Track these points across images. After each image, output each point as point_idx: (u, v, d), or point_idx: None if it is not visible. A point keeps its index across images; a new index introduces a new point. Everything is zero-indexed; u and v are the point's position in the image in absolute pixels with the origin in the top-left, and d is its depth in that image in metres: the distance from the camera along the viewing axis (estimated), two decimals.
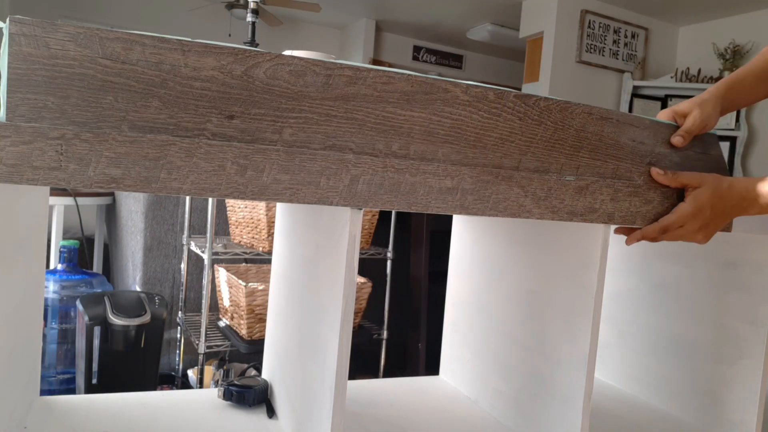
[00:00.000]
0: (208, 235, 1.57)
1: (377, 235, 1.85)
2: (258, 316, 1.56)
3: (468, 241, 1.11)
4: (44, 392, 1.65)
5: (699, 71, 4.95)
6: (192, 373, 1.82)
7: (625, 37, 5.12)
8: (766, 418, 1.04)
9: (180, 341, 1.89)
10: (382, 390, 1.07)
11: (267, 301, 1.17)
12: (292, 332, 0.86)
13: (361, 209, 0.64)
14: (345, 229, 0.65)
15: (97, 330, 1.41)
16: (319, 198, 0.60)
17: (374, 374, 1.92)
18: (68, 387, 1.71)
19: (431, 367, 1.97)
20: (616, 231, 0.85)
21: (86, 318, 1.42)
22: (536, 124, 0.73)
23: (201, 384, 1.66)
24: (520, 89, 5.52)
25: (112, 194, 2.41)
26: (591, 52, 4.98)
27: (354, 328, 1.72)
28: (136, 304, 1.50)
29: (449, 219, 1.75)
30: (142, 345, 1.46)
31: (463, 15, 5.82)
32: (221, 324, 1.72)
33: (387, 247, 1.85)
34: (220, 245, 1.74)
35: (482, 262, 1.06)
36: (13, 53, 0.49)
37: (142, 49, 0.54)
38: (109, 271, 2.62)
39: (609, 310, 1.25)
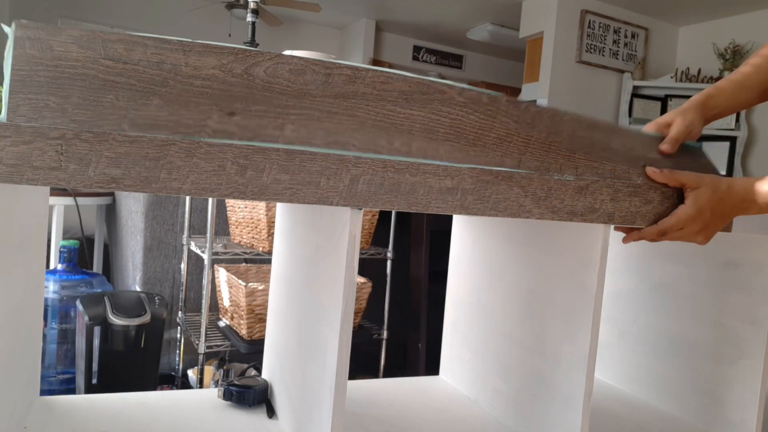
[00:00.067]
0: (208, 235, 1.57)
1: (377, 235, 1.85)
2: (258, 316, 1.56)
3: (468, 241, 1.11)
4: (44, 392, 1.65)
5: (699, 71, 4.95)
6: (192, 373, 1.82)
7: (625, 37, 5.12)
8: (766, 418, 1.04)
9: (180, 341, 1.89)
10: (382, 390, 1.07)
11: (267, 301, 1.17)
12: (292, 332, 0.86)
13: (361, 209, 0.64)
14: (345, 229, 0.65)
15: (97, 330, 1.41)
16: (319, 198, 0.60)
17: (374, 374, 1.92)
18: (68, 387, 1.71)
19: (431, 367, 1.97)
20: (616, 228, 0.85)
21: (86, 318, 1.42)
22: (530, 127, 0.74)
23: (201, 384, 1.66)
24: (520, 89, 5.51)
25: (112, 194, 2.41)
26: (591, 52, 4.98)
27: (354, 328, 1.72)
28: (136, 304, 1.50)
29: (449, 219, 1.75)
30: (142, 345, 1.46)
31: (463, 15, 5.82)
32: (221, 324, 1.72)
33: (387, 247, 1.85)
34: (220, 245, 1.74)
35: (482, 262, 1.06)
36: (17, 56, 0.50)
37: (144, 50, 0.54)
38: (109, 271, 2.62)
39: (609, 310, 1.25)
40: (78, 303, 1.48)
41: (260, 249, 1.63)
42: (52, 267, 2.03)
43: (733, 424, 1.00)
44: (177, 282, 1.99)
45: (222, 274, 1.68)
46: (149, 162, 0.53)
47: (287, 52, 1.18)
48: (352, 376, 1.86)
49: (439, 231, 2.04)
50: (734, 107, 0.95)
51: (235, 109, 0.57)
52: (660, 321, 1.13)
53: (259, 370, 1.08)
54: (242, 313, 1.56)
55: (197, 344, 1.61)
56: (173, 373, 1.94)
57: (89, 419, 0.83)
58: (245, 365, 1.57)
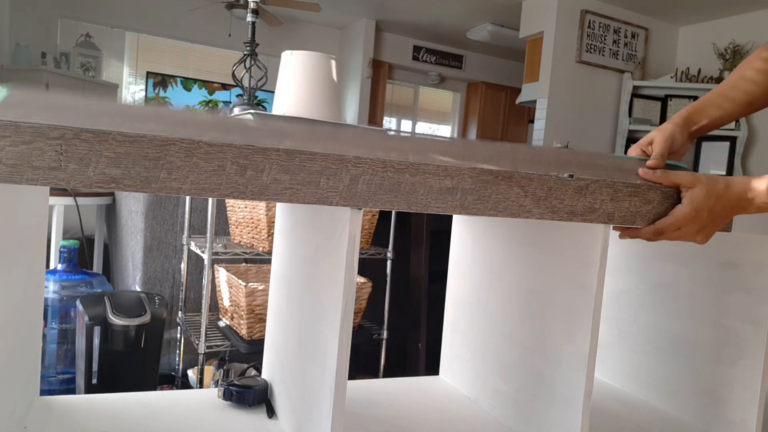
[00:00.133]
0: (208, 235, 1.57)
1: (377, 235, 1.85)
2: (258, 316, 1.56)
3: (468, 241, 1.11)
4: (44, 392, 1.65)
5: (699, 71, 4.95)
6: (192, 373, 1.82)
7: (625, 37, 5.12)
8: (766, 418, 1.04)
9: (180, 341, 1.89)
10: (382, 390, 1.07)
11: (267, 301, 1.17)
12: (292, 332, 0.86)
13: (361, 209, 0.64)
14: (345, 229, 0.65)
15: (97, 330, 1.41)
16: (319, 198, 0.60)
17: (374, 374, 1.92)
18: (68, 387, 1.71)
19: (431, 367, 1.97)
20: (614, 227, 0.85)
21: (86, 318, 1.42)
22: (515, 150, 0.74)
23: (201, 384, 1.66)
24: (520, 89, 5.51)
25: (112, 194, 2.41)
26: (591, 52, 4.98)
27: (354, 328, 1.72)
28: (136, 304, 1.50)
29: (449, 219, 1.74)
30: (142, 345, 1.46)
31: (463, 15, 5.82)
32: (221, 324, 1.72)
33: (387, 247, 1.85)
34: (220, 245, 1.74)
35: (482, 262, 1.06)
36: None
37: None
38: (109, 271, 2.62)
39: (609, 310, 1.25)
40: (78, 303, 1.48)
41: (260, 249, 1.63)
42: (52, 267, 2.02)
43: (733, 424, 1.00)
44: (177, 282, 1.99)
45: (222, 274, 1.68)
46: (149, 162, 0.52)
47: (287, 52, 1.18)
48: (352, 376, 1.86)
49: (439, 231, 2.04)
50: (720, 121, 0.95)
51: None
52: (660, 321, 1.13)
53: (259, 370, 1.08)
54: (242, 313, 1.56)
55: (197, 344, 1.61)
56: (173, 373, 1.94)
57: (89, 419, 0.83)
58: (245, 365, 1.57)
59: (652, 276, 1.16)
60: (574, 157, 0.80)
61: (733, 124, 4.74)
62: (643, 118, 5.03)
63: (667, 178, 0.80)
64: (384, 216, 1.94)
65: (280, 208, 0.98)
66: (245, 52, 2.88)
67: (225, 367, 1.70)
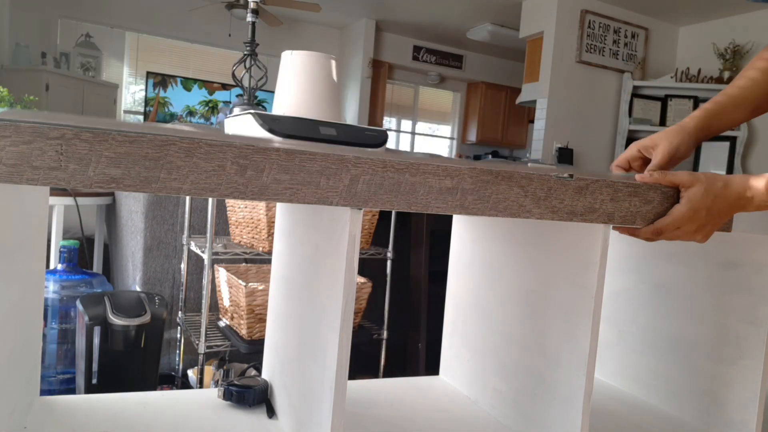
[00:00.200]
0: (208, 235, 1.57)
1: (377, 235, 1.85)
2: (258, 316, 1.56)
3: (468, 241, 1.11)
4: (44, 392, 1.65)
5: (699, 71, 4.95)
6: (192, 373, 1.82)
7: (625, 37, 5.12)
8: (766, 418, 1.04)
9: (180, 341, 1.89)
10: (382, 390, 1.07)
11: (267, 301, 1.17)
12: (292, 332, 0.86)
13: (361, 209, 0.64)
14: (345, 229, 0.65)
15: (97, 330, 1.41)
16: (319, 198, 0.60)
17: (374, 374, 1.92)
18: (68, 387, 1.71)
19: (431, 367, 1.97)
20: (614, 227, 0.85)
21: (86, 318, 1.42)
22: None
23: (201, 384, 1.66)
24: (520, 89, 5.51)
25: (112, 194, 2.41)
26: (591, 52, 4.98)
27: (354, 328, 1.72)
28: (136, 304, 1.50)
29: (449, 219, 1.74)
30: (142, 345, 1.46)
31: (463, 15, 5.82)
32: (221, 324, 1.72)
33: (387, 247, 1.85)
34: (220, 245, 1.74)
35: (482, 262, 1.06)
36: None
37: None
38: (109, 271, 2.62)
39: (609, 310, 1.25)
40: (78, 303, 1.48)
41: (260, 249, 1.63)
42: (52, 267, 2.02)
43: (733, 424, 1.00)
44: (177, 282, 1.99)
45: (222, 274, 1.68)
46: (149, 162, 0.52)
47: (287, 52, 1.18)
48: (352, 376, 1.86)
49: (439, 231, 2.04)
50: (731, 126, 0.94)
51: None
52: (660, 321, 1.13)
53: (259, 370, 1.08)
54: (242, 313, 1.56)
55: (197, 344, 1.61)
56: (173, 373, 1.94)
57: (89, 419, 0.83)
58: (245, 365, 1.57)
59: (652, 276, 1.16)
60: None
61: None
62: (643, 118, 5.03)
63: (666, 178, 0.79)
64: (384, 216, 1.94)
65: (280, 208, 0.98)
66: (245, 52, 2.88)
67: (225, 367, 1.70)
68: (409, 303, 2.10)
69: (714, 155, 4.87)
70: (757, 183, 0.78)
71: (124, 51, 5.95)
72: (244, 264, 1.83)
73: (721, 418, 1.02)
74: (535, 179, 0.71)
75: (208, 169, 0.55)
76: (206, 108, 6.25)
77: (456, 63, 7.21)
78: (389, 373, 1.87)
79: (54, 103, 4.89)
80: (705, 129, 0.90)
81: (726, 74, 4.80)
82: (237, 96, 5.79)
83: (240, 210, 1.72)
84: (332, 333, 0.68)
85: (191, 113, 6.17)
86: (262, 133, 1.00)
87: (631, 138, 5.02)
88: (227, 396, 0.92)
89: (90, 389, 1.42)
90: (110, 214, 2.51)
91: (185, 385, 1.86)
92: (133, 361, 1.46)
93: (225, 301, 1.70)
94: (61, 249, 1.75)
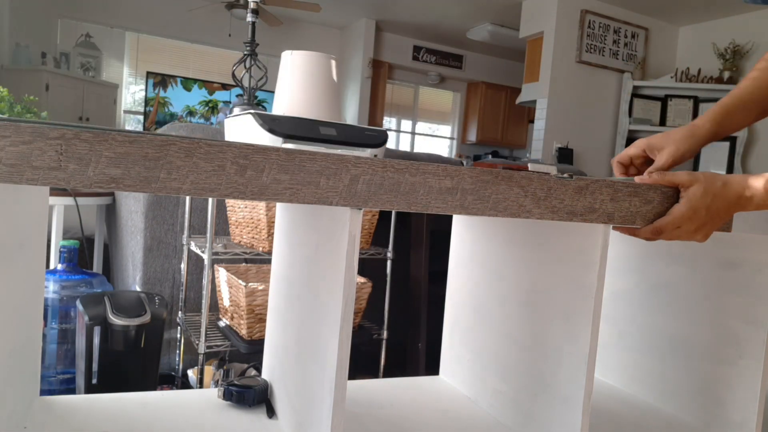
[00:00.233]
0: (208, 235, 1.57)
1: (377, 235, 1.85)
2: (258, 316, 1.56)
3: (468, 241, 1.11)
4: (44, 392, 1.65)
5: (699, 71, 4.95)
6: (192, 373, 1.82)
7: (625, 37, 5.12)
8: (766, 418, 1.04)
9: (180, 341, 1.89)
10: (382, 390, 1.07)
11: (267, 301, 1.17)
12: (292, 332, 0.86)
13: (361, 209, 0.64)
14: (345, 229, 0.65)
15: (97, 330, 1.41)
16: (319, 198, 0.60)
17: (374, 374, 1.92)
18: (68, 387, 1.71)
19: (431, 367, 1.97)
20: (614, 227, 0.85)
21: (86, 318, 1.42)
22: None
23: (201, 384, 1.66)
24: (520, 89, 5.50)
25: (112, 194, 2.41)
26: (591, 52, 4.98)
27: (354, 328, 1.72)
28: (136, 304, 1.50)
29: (449, 219, 1.74)
30: (142, 345, 1.46)
31: (463, 15, 5.82)
32: (221, 324, 1.72)
33: (387, 247, 1.85)
34: (220, 245, 1.74)
35: (482, 262, 1.06)
36: None
37: None
38: (109, 271, 2.62)
39: (609, 310, 1.25)
40: (78, 303, 1.48)
41: (260, 249, 1.63)
42: (52, 267, 2.02)
43: (733, 424, 1.00)
44: (177, 282, 1.99)
45: (222, 274, 1.68)
46: (149, 162, 0.52)
47: (287, 52, 1.18)
48: (352, 376, 1.86)
49: (439, 231, 2.04)
50: (739, 128, 0.94)
51: None
52: (660, 321, 1.13)
53: (259, 370, 1.08)
54: (242, 313, 1.56)
55: (197, 344, 1.61)
56: (173, 373, 1.94)
57: (89, 419, 0.83)
58: (245, 365, 1.57)
59: (652, 276, 1.16)
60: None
61: None
62: (643, 118, 5.03)
63: (665, 179, 0.80)
64: (384, 216, 1.94)
65: (280, 208, 0.98)
66: (245, 52, 2.88)
67: (225, 367, 1.70)
68: (409, 303, 2.10)
69: (714, 155, 4.87)
70: (757, 183, 0.78)
71: (124, 51, 5.95)
72: (244, 264, 1.83)
73: (721, 418, 1.02)
74: (535, 179, 0.71)
75: (208, 169, 0.55)
76: (206, 108, 6.25)
77: (456, 63, 7.21)
78: (389, 373, 1.87)
79: (54, 103, 4.89)
80: (715, 135, 0.90)
81: (726, 74, 4.80)
82: (237, 96, 5.79)
83: (240, 210, 1.72)
84: (332, 333, 0.68)
85: (191, 113, 6.17)
86: (262, 133, 1.00)
87: (632, 138, 5.02)
88: (227, 396, 0.92)
89: (90, 389, 1.42)
90: (110, 214, 2.51)
91: (185, 385, 1.86)
92: (133, 361, 1.46)
93: (225, 301, 1.70)
94: (61, 249, 1.75)
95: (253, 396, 0.92)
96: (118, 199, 2.29)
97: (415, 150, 7.68)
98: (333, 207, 0.67)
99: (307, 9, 4.63)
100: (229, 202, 1.82)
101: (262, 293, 1.54)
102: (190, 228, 1.81)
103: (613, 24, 5.01)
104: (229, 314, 1.68)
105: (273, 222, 1.58)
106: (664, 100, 5.05)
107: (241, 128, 1.07)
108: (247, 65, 2.88)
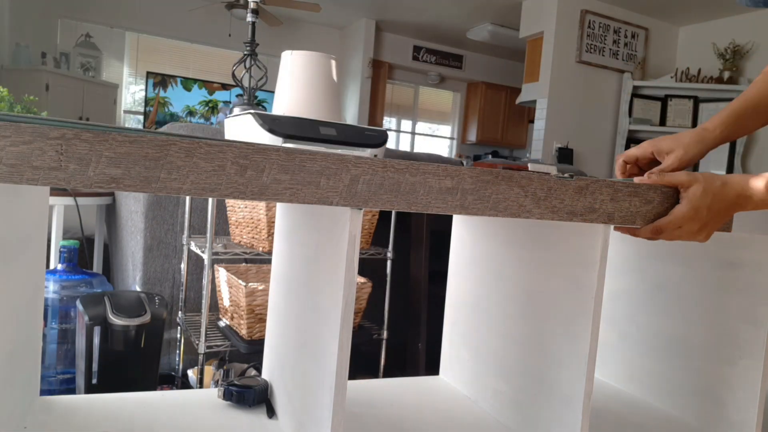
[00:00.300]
0: (208, 235, 1.57)
1: (377, 235, 1.85)
2: (258, 316, 1.56)
3: (468, 241, 1.11)
4: (44, 392, 1.65)
5: (699, 71, 4.95)
6: (192, 373, 1.81)
7: (625, 37, 5.12)
8: (766, 418, 1.04)
9: (180, 341, 1.89)
10: (382, 390, 1.07)
11: (267, 301, 1.17)
12: (292, 332, 0.86)
13: (361, 209, 0.64)
14: (345, 229, 0.65)
15: (97, 330, 1.41)
16: (319, 198, 0.60)
17: (374, 374, 1.92)
18: (68, 387, 1.71)
19: (431, 367, 1.97)
20: (614, 227, 0.85)
21: (86, 318, 1.42)
22: None
23: (201, 384, 1.66)
24: (520, 89, 5.50)
25: (112, 194, 2.41)
26: (591, 52, 4.98)
27: (354, 328, 1.72)
28: (136, 304, 1.50)
29: (449, 219, 1.75)
30: (142, 345, 1.46)
31: (463, 15, 5.82)
32: (221, 324, 1.72)
33: (387, 247, 1.85)
34: (220, 245, 1.74)
35: (482, 262, 1.06)
36: None
37: None
38: (109, 271, 2.62)
39: (609, 310, 1.25)
40: (78, 303, 1.48)
41: (260, 249, 1.63)
42: (52, 267, 2.02)
43: (733, 424, 1.00)
44: (177, 282, 1.99)
45: (222, 274, 1.68)
46: (149, 162, 0.52)
47: (287, 52, 1.18)
48: (352, 376, 1.86)
49: (439, 231, 2.04)
50: (747, 134, 0.94)
51: None
52: (659, 321, 1.13)
53: (259, 370, 1.08)
54: (242, 313, 1.56)
55: (197, 344, 1.61)
56: (173, 373, 1.94)
57: (89, 419, 0.83)
58: (245, 365, 1.57)
59: (652, 276, 1.16)
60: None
61: None
62: (643, 118, 5.03)
63: (665, 179, 0.80)
64: (384, 216, 1.94)
65: (280, 208, 0.98)
66: (245, 52, 2.88)
67: (225, 367, 1.70)
68: (409, 303, 2.10)
69: (714, 155, 4.87)
70: (756, 182, 0.78)
71: (124, 51, 5.95)
72: (244, 264, 1.83)
73: (721, 418, 1.02)
74: (535, 179, 0.71)
75: (208, 169, 0.55)
76: (206, 108, 6.25)
77: (456, 63, 7.21)
78: (389, 373, 1.87)
79: (54, 103, 4.89)
80: (724, 140, 0.90)
81: (726, 74, 4.80)
82: (237, 96, 5.79)
83: (240, 210, 1.72)
84: (332, 333, 0.68)
85: (191, 113, 6.17)
86: (262, 133, 1.00)
87: (631, 138, 5.02)
88: (227, 396, 0.92)
89: (90, 389, 1.42)
90: (110, 214, 2.51)
91: (185, 385, 1.86)
92: (133, 361, 1.46)
93: (225, 301, 1.70)
94: (61, 249, 1.75)
95: (253, 396, 0.92)
96: (118, 199, 2.29)
97: (415, 150, 7.68)
98: (333, 207, 0.67)
99: (307, 9, 4.63)
100: (229, 202, 1.82)
101: (262, 293, 1.54)
102: (190, 228, 1.81)
103: (613, 24, 5.01)
104: (229, 314, 1.68)
105: (273, 222, 1.58)
106: (664, 100, 5.05)
107: (241, 128, 1.07)
108: (247, 65, 2.88)
